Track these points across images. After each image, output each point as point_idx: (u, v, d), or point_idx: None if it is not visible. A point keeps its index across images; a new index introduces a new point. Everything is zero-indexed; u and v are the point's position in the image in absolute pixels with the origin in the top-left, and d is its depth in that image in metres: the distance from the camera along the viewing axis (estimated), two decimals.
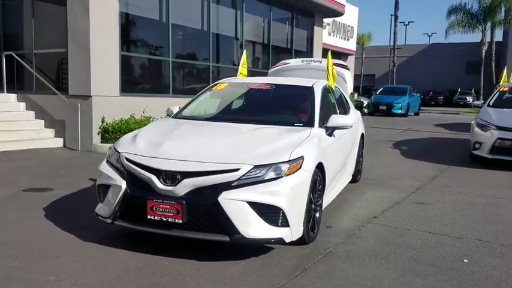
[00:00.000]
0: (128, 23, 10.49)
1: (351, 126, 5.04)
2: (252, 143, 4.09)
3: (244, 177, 3.63)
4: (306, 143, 4.15)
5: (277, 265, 3.71)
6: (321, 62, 7.46)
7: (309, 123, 4.72)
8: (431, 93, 43.82)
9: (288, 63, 7.73)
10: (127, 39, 10.51)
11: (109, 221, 3.98)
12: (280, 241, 3.71)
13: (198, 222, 3.65)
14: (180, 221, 3.64)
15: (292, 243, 3.82)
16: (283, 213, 3.67)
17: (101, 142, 9.50)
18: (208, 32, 12.50)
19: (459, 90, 42.31)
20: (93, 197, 4.39)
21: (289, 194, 3.70)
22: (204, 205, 3.61)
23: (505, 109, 8.70)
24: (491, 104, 9.32)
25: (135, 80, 11.06)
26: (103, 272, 3.53)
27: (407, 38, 54.59)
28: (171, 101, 11.18)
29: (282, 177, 3.70)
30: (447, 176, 7.61)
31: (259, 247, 3.97)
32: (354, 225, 4.81)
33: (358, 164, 6.80)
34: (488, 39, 34.49)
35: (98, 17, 9.32)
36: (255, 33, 14.76)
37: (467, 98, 40.07)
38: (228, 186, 3.60)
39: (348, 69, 7.45)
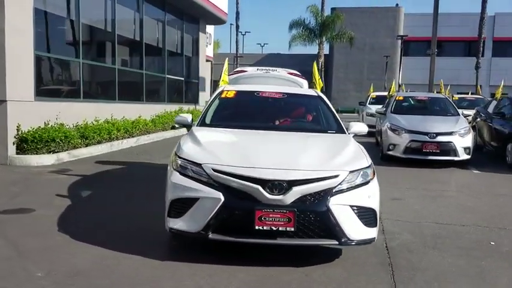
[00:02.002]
0: (42, 21, 9.36)
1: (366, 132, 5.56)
2: (325, 151, 4.30)
3: (342, 183, 3.85)
4: (363, 150, 4.53)
5: (365, 263, 4.01)
6: (277, 71, 7.83)
7: (340, 130, 5.09)
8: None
9: (245, 71, 7.90)
10: (41, 39, 9.36)
11: (199, 235, 3.78)
12: (372, 241, 4.00)
13: (307, 229, 3.72)
14: (292, 229, 3.68)
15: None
16: (375, 214, 3.98)
17: (17, 153, 8.33)
18: (114, 33, 11.79)
19: None
20: (100, 214, 4.61)
21: (377, 196, 4.04)
22: (314, 212, 3.71)
23: (412, 115, 10.24)
24: (392, 110, 10.83)
25: (49, 83, 9.93)
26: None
27: (244, 47, 58.16)
28: (85, 107, 10.36)
29: (368, 181, 4.01)
30: (381, 174, 8.63)
31: (331, 249, 4.20)
32: None
33: None
34: (323, 51, 38.68)
35: (13, 13, 8.16)
36: (152, 37, 14.35)
37: None
38: (331, 192, 3.78)
39: (304, 78, 7.96)
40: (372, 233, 3.95)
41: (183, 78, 16.45)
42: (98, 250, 4.08)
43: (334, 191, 3.78)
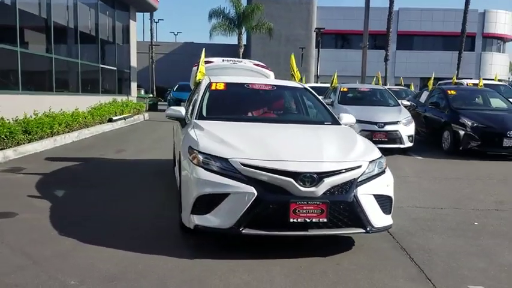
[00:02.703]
0: None
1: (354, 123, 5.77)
2: (341, 143, 4.44)
3: (364, 173, 4.02)
4: (369, 141, 4.75)
5: (381, 249, 4.23)
6: (243, 62, 7.83)
7: (335, 121, 5.26)
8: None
9: (212, 62, 7.79)
10: None
11: (231, 230, 3.76)
12: (390, 227, 4.22)
13: (336, 219, 3.84)
14: (325, 220, 3.78)
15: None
16: (391, 202, 4.21)
17: None
18: (50, 19, 10.95)
19: None
20: (92, 214, 4.63)
21: (392, 184, 4.26)
22: (344, 202, 3.83)
23: (358, 106, 10.73)
24: (339, 101, 11.28)
25: None
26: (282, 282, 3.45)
27: (158, 36, 56.75)
28: (24, 99, 9.55)
29: (384, 170, 4.23)
30: None
31: (344, 238, 4.38)
32: None
33: None
34: (243, 42, 38.94)
35: None
36: (85, 25, 13.51)
37: None
38: (356, 182, 3.93)
39: (271, 70, 8.03)
40: (389, 219, 4.16)
41: (115, 68, 15.73)
42: (116, 252, 3.88)
43: (358, 181, 3.93)
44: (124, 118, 14.22)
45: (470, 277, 3.67)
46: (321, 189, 3.78)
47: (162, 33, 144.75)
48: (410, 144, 10.17)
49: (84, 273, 3.45)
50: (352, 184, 3.90)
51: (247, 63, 7.85)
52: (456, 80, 16.66)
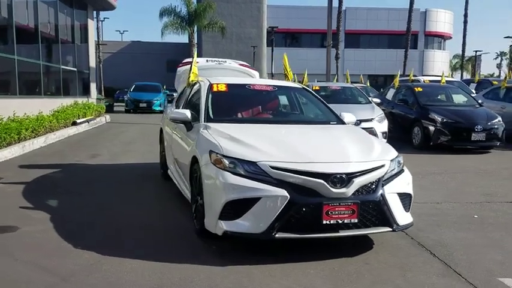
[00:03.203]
0: None
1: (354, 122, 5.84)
2: (359, 143, 4.48)
3: (387, 172, 4.08)
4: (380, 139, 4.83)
5: (401, 246, 4.31)
6: (227, 62, 7.74)
7: (340, 121, 5.31)
8: None
9: (197, 63, 7.63)
10: None
11: (263, 235, 3.70)
12: (411, 225, 4.27)
13: (365, 219, 3.88)
14: (356, 220, 3.81)
15: None
16: (411, 199, 4.30)
17: None
18: (12, 19, 10.34)
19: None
20: (97, 223, 4.56)
21: (411, 181, 4.34)
22: (373, 201, 3.88)
23: (333, 104, 10.82)
24: None
25: None
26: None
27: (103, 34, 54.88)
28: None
29: (403, 169, 4.32)
30: None
31: (361, 238, 4.40)
32: None
33: None
34: (195, 40, 38.48)
35: None
36: (45, 24, 12.87)
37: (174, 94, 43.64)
38: (381, 181, 3.99)
39: (255, 69, 7.98)
40: (410, 217, 4.24)
41: (75, 69, 15.10)
42: (141, 264, 3.73)
43: (384, 180, 3.99)
44: (88, 121, 13.69)
45: (495, 269, 3.81)
46: (350, 190, 3.80)
47: (107, 32, 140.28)
48: (385, 141, 10.43)
49: None
50: (378, 183, 3.95)
51: (232, 63, 7.76)
52: (413, 77, 17.27)
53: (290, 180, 3.74)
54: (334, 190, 3.74)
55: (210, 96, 5.29)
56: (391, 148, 4.45)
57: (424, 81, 16.18)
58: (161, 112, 22.34)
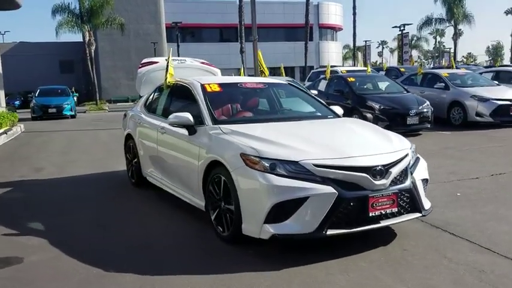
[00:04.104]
0: None
1: None
2: (377, 134, 4.62)
3: (411, 161, 4.28)
4: None
5: (416, 231, 4.53)
6: (187, 61, 7.49)
7: (336, 114, 5.43)
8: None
9: (157, 62, 7.29)
10: None
11: (314, 234, 3.70)
12: (432, 209, 4.48)
13: (401, 207, 4.03)
14: (396, 210, 3.96)
15: None
16: (427, 184, 4.54)
17: None
18: None
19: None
20: (112, 243, 4.27)
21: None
22: (407, 190, 4.04)
23: None
24: None
25: None
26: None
27: None
28: None
29: (418, 157, 4.54)
30: None
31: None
32: None
33: None
34: (88, 39, 36.32)
35: None
36: None
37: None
38: (409, 169, 4.18)
39: (216, 67, 7.79)
40: (429, 202, 4.47)
41: None
42: (196, 279, 3.53)
43: (410, 168, 4.18)
44: (5, 132, 12.37)
45: None
46: (389, 181, 3.93)
47: None
48: None
49: None
50: (407, 172, 4.13)
51: (194, 62, 7.54)
52: (331, 68, 18.07)
53: (333, 176, 3.76)
54: (376, 182, 3.84)
55: (207, 97, 5.10)
56: (403, 138, 4.65)
57: (341, 72, 16.98)
58: (73, 117, 21.03)
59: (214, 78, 5.78)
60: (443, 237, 4.33)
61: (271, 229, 3.73)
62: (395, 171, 3.98)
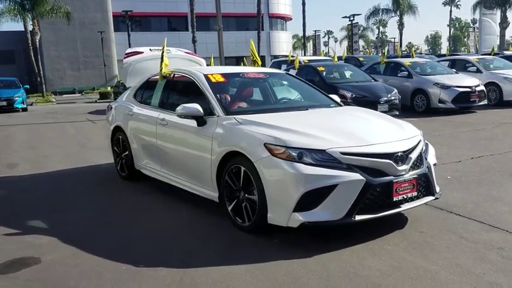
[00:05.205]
0: None
1: None
2: (389, 122, 4.73)
3: (423, 147, 4.44)
4: None
5: (425, 212, 4.73)
6: (171, 51, 7.34)
7: (337, 103, 5.53)
8: None
9: (141, 52, 7.09)
10: None
11: (343, 220, 3.78)
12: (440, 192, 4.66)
13: (419, 191, 4.18)
14: (415, 194, 4.11)
15: None
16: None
17: None
18: None
19: None
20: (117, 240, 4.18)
21: None
22: (423, 174, 4.20)
23: None
24: None
25: None
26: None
27: None
28: None
29: (427, 142, 4.71)
30: None
31: None
32: None
33: None
34: (32, 28, 34.58)
35: None
36: None
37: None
38: (423, 155, 4.35)
39: (201, 57, 7.69)
40: (437, 185, 4.64)
41: None
42: (233, 269, 3.52)
43: (423, 153, 4.34)
44: None
45: None
46: (409, 166, 4.07)
47: None
48: None
49: None
50: (422, 157, 4.29)
51: (178, 51, 7.40)
52: (291, 58, 18.24)
53: (358, 163, 3.85)
54: (399, 168, 3.97)
55: (213, 87, 5.02)
56: (411, 124, 4.80)
57: (303, 61, 17.17)
58: (24, 110, 20.02)
59: (215, 69, 5.70)
60: (451, 218, 4.53)
61: (300, 217, 3.76)
62: (413, 156, 4.12)
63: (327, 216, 3.77)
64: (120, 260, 3.72)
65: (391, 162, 3.93)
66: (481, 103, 12.85)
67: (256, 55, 6.53)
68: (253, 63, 6.58)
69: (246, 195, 4.19)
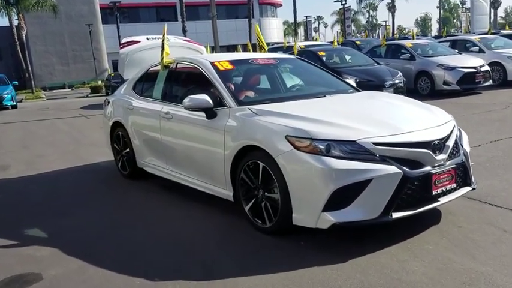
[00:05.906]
0: None
1: None
2: (419, 107, 4.34)
3: (457, 133, 4.05)
4: None
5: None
6: (170, 40, 6.88)
7: (355, 88, 5.14)
8: None
9: (139, 41, 6.64)
10: None
11: (379, 219, 3.39)
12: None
13: (457, 182, 3.79)
14: (454, 185, 3.74)
15: None
16: None
17: None
18: None
19: None
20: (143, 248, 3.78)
21: None
22: (461, 163, 3.81)
23: None
24: None
25: None
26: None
27: None
28: None
29: (459, 128, 4.32)
30: None
31: None
32: None
33: None
34: (18, 22, 33.72)
35: None
36: None
37: None
38: (459, 142, 3.96)
39: (201, 44, 7.25)
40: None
41: None
42: (262, 280, 3.13)
43: (459, 140, 3.96)
44: None
45: None
46: (446, 155, 3.69)
47: None
48: None
49: None
50: (458, 144, 3.91)
51: (177, 39, 6.97)
52: (287, 44, 17.78)
53: (393, 154, 3.46)
54: (437, 158, 3.59)
55: (221, 76, 4.59)
56: (440, 108, 4.41)
57: (300, 47, 16.71)
58: (14, 107, 19.44)
59: (222, 55, 5.27)
60: (487, 209, 4.18)
61: (331, 217, 3.37)
62: (450, 144, 3.74)
63: (361, 215, 3.38)
64: (132, 273, 3.33)
65: (429, 151, 3.54)
66: (486, 84, 12.51)
67: (263, 40, 6.10)
68: (260, 48, 6.14)
69: (266, 193, 3.80)
